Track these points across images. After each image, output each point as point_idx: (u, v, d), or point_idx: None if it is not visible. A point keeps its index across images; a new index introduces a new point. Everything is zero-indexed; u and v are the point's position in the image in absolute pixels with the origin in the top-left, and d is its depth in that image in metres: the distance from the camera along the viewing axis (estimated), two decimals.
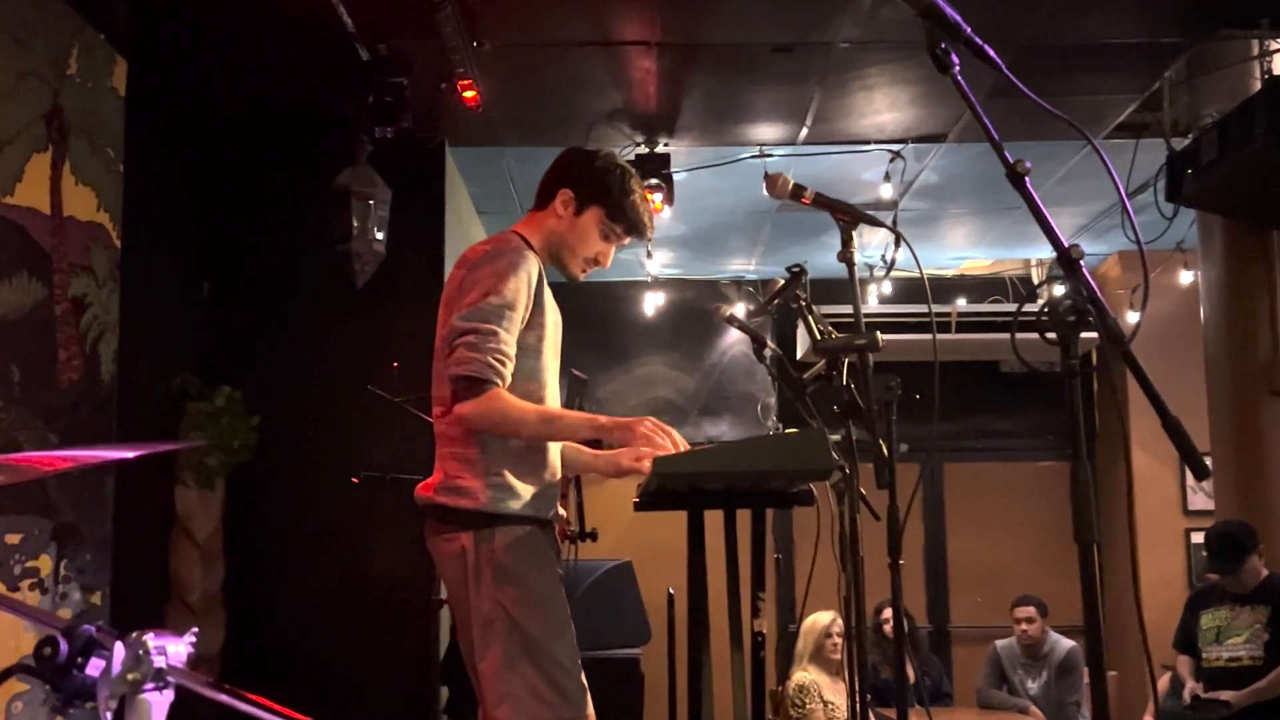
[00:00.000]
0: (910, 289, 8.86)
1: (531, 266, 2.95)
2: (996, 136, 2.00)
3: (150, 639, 1.18)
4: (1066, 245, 1.94)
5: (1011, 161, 1.98)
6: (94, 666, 1.19)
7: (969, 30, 2.02)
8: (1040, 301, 1.95)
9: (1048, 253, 9.18)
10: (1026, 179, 1.98)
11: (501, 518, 2.86)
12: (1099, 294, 1.94)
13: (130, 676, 1.16)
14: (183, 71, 5.66)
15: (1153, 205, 6.25)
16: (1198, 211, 6.49)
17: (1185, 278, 8.12)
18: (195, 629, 1.27)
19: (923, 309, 8.11)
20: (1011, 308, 8.88)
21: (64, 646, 1.19)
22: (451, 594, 2.98)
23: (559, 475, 3.04)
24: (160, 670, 1.17)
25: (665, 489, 2.95)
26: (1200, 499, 8.61)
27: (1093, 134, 6.39)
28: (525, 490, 2.90)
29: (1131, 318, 8.75)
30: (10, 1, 4.38)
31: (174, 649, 1.19)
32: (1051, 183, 7.36)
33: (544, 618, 2.87)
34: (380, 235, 5.92)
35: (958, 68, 2.03)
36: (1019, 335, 2.23)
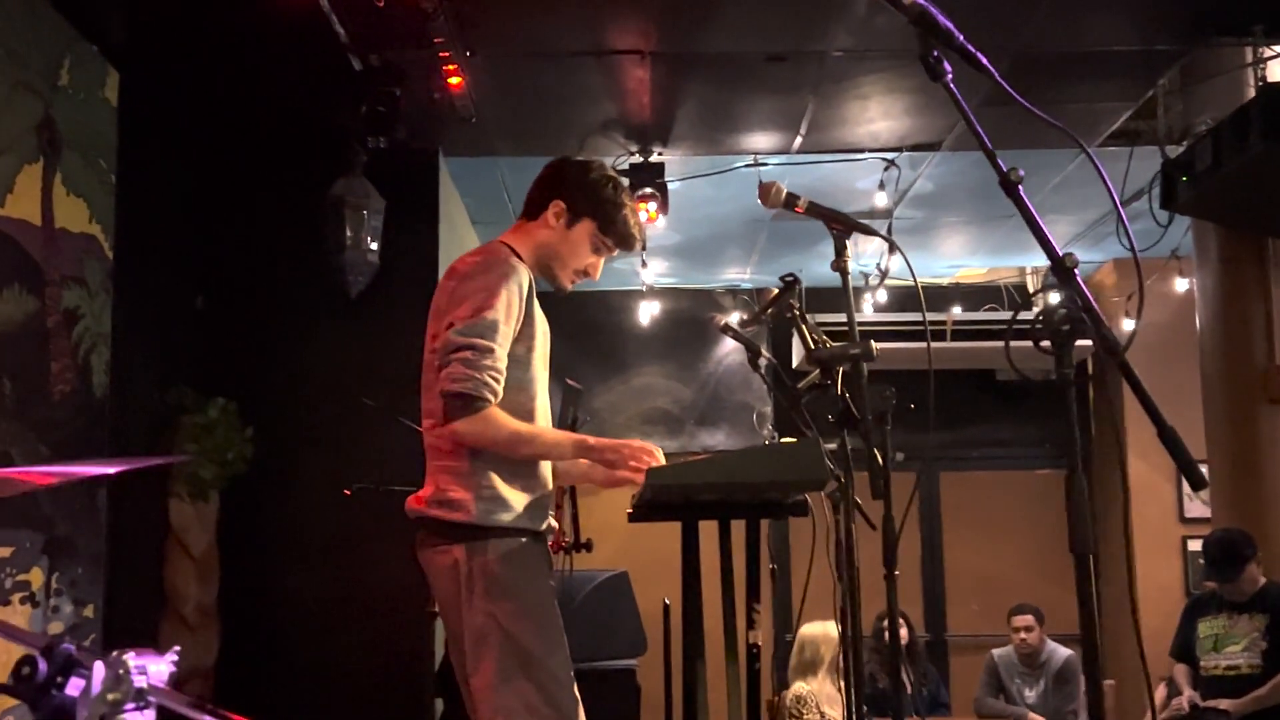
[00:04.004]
0: (905, 297, 8.86)
1: (522, 278, 2.93)
2: (990, 145, 1.99)
3: (131, 658, 1.16)
4: (1061, 254, 1.93)
5: (1005, 170, 1.97)
6: (74, 686, 1.17)
7: (961, 37, 2.00)
8: (1035, 310, 1.95)
9: (1043, 261, 9.16)
10: (1020, 187, 1.98)
11: (494, 530, 2.85)
12: (1094, 303, 1.93)
13: (110, 697, 1.14)
14: (175, 83, 5.63)
15: (1147, 213, 6.25)
16: (1192, 219, 6.47)
17: (1180, 285, 8.11)
18: (178, 647, 1.25)
19: (918, 317, 8.09)
20: (1007, 315, 8.86)
21: (43, 666, 1.17)
22: (444, 607, 2.96)
23: (551, 486, 3.03)
24: (141, 690, 1.15)
25: (659, 500, 2.94)
26: (1197, 507, 8.59)
27: (1087, 142, 6.38)
28: (517, 502, 2.89)
29: (1127, 325, 8.74)
30: (4, 14, 4.37)
31: (155, 668, 1.17)
32: (1046, 191, 7.35)
33: (539, 630, 2.85)
34: (374, 245, 5.90)
35: (950, 75, 2.02)
36: (1014, 343, 2.22)
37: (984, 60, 2.01)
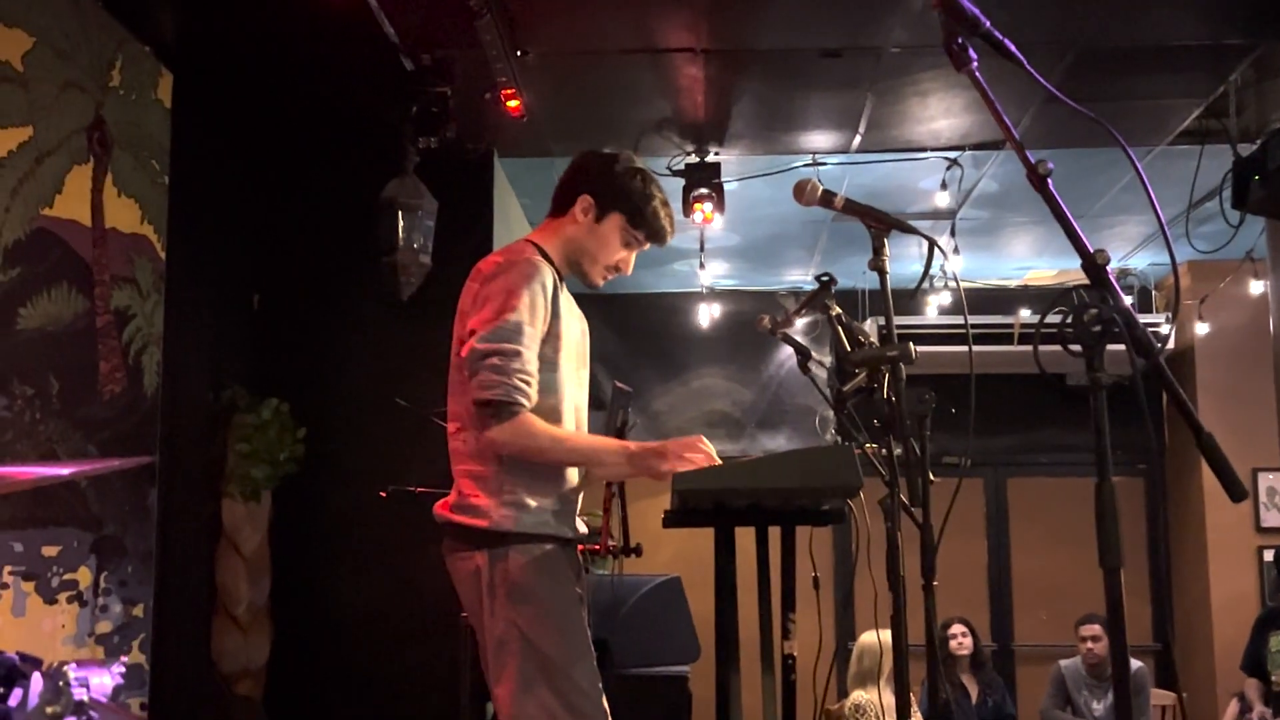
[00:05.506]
0: (973, 300, 8.67)
1: (546, 277, 2.86)
2: (1017, 135, 1.90)
3: (72, 670, 1.11)
4: (1091, 250, 1.83)
5: (1033, 162, 1.88)
6: (15, 697, 1.12)
7: (988, 24, 1.91)
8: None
9: (1115, 263, 8.96)
10: (1049, 181, 1.88)
11: (517, 536, 2.78)
12: (1125, 302, 1.83)
13: (49, 710, 1.09)
14: (229, 83, 5.65)
15: (1219, 214, 6.06)
16: (1266, 219, 6.27)
17: (1256, 287, 7.88)
18: (124, 658, 1.20)
19: (983, 320, 7.92)
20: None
21: None
22: (469, 614, 2.89)
23: (578, 491, 2.95)
24: (81, 703, 1.10)
25: (688, 506, 2.86)
26: (1273, 516, 8.34)
27: (1157, 140, 6.21)
28: (540, 507, 2.81)
29: (1200, 329, 8.51)
30: (52, 13, 4.39)
31: (97, 680, 1.12)
32: (1117, 190, 7.16)
33: (561, 638, 2.78)
34: (427, 247, 5.86)
35: (975, 64, 1.93)
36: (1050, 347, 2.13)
37: (1013, 48, 1.92)
